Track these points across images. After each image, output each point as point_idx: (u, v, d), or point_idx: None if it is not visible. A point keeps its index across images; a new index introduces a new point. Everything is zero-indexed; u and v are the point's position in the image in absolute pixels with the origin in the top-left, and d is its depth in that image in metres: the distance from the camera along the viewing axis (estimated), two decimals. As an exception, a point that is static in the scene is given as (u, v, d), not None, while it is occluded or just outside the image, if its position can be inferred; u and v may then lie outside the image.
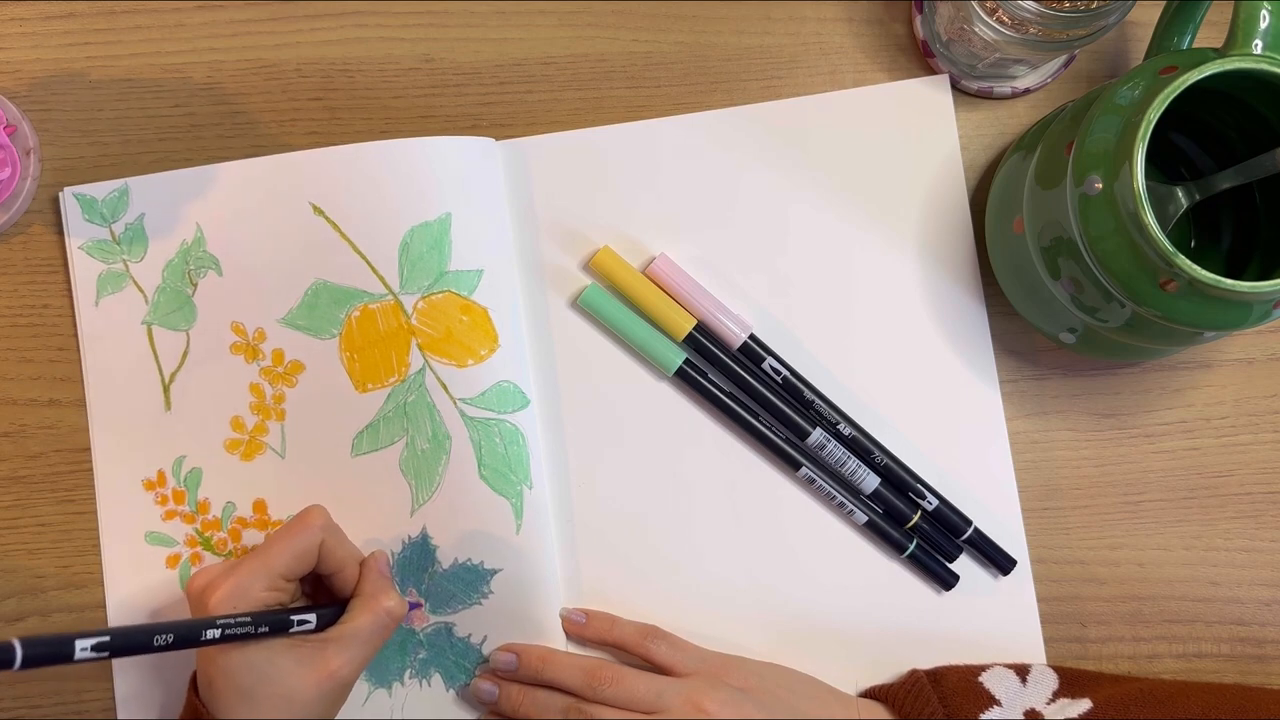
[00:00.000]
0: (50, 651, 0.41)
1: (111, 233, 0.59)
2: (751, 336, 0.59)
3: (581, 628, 0.58)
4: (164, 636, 0.45)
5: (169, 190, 0.59)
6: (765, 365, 0.59)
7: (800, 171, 0.60)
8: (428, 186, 0.58)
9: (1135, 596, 0.60)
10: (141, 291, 0.59)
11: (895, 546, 0.59)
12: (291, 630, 0.50)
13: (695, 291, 0.59)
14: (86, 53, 0.60)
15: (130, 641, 0.44)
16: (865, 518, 0.59)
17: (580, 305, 0.59)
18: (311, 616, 0.51)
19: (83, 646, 0.42)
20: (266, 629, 0.49)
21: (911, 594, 0.60)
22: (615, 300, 0.59)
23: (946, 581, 0.59)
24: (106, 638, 0.43)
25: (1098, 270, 0.50)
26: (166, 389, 0.59)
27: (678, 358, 0.58)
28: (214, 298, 0.59)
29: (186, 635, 0.46)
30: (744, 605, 0.59)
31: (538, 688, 0.56)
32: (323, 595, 0.55)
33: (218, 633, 0.47)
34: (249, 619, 0.48)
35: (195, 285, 0.59)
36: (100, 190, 0.59)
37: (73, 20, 0.60)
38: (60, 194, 0.59)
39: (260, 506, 0.59)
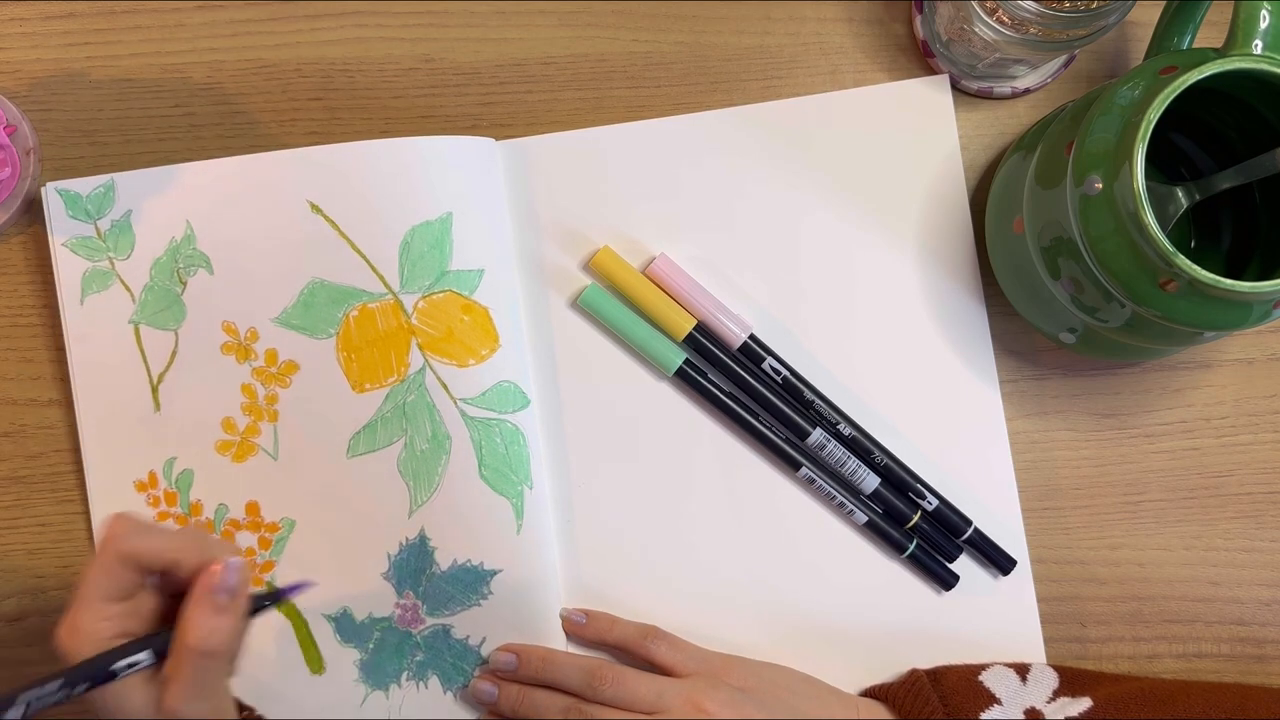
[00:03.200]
0: None
1: (97, 229, 0.59)
2: (751, 336, 0.59)
3: (581, 628, 0.58)
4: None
5: (157, 186, 0.59)
6: (765, 365, 0.59)
7: (800, 172, 0.60)
8: (429, 186, 0.58)
9: (1135, 596, 0.60)
10: (128, 290, 0.59)
11: (895, 546, 0.59)
12: (121, 675, 0.44)
13: (695, 291, 0.59)
14: (86, 53, 0.60)
15: None
16: (865, 518, 0.59)
17: (580, 305, 0.59)
18: (143, 655, 0.44)
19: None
20: (85, 686, 0.43)
21: (911, 594, 0.60)
22: (615, 300, 0.59)
23: (946, 581, 0.59)
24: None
25: (1098, 270, 0.50)
26: (155, 390, 0.59)
27: (678, 358, 0.58)
28: (204, 296, 0.59)
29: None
30: (744, 605, 0.59)
31: (537, 688, 0.56)
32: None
33: (19, 712, 0.42)
34: (56, 685, 0.43)
35: (185, 284, 0.59)
36: (85, 186, 0.59)
37: (73, 20, 0.60)
38: (43, 189, 0.59)
39: (253, 509, 0.59)
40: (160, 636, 0.45)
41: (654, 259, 0.59)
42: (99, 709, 0.44)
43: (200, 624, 0.44)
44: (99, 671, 0.44)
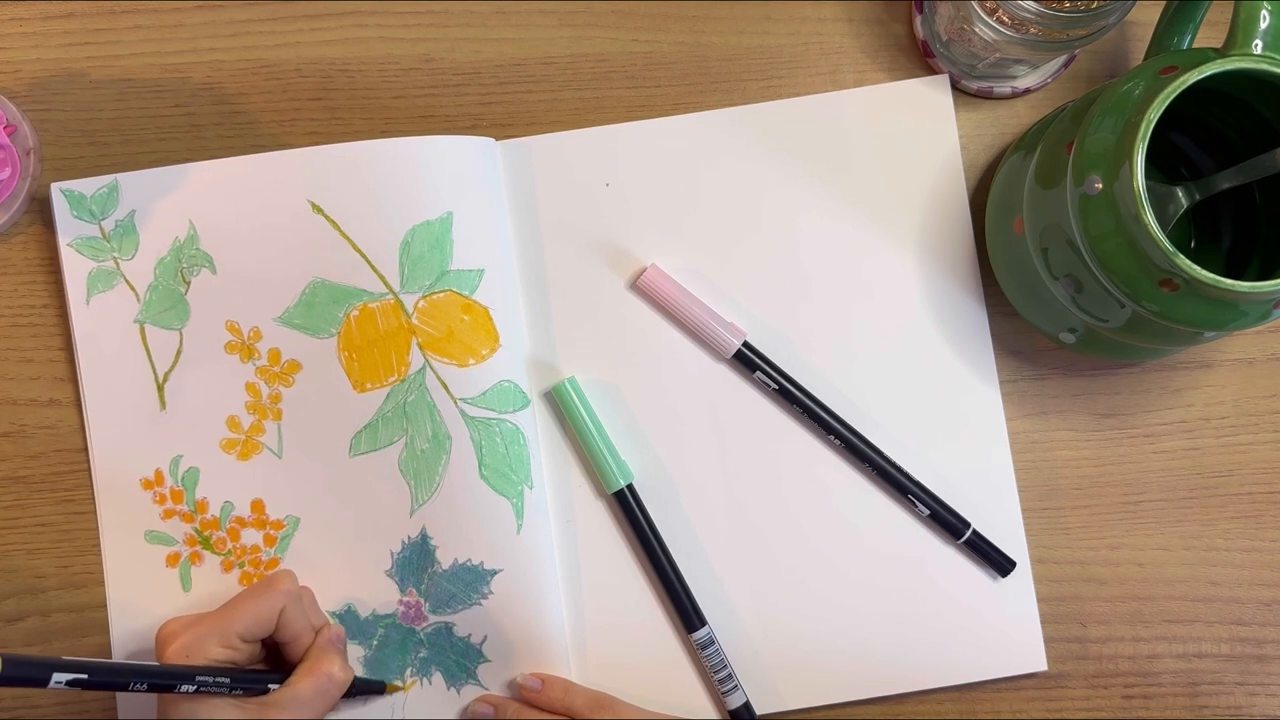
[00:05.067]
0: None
1: (101, 229, 0.59)
2: (745, 344, 0.59)
3: (536, 695, 0.57)
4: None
5: (160, 186, 0.59)
6: (756, 375, 0.59)
7: (800, 171, 0.60)
8: (429, 185, 0.58)
9: (1135, 596, 0.60)
10: (133, 289, 0.59)
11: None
12: (251, 693, 0.51)
13: (686, 301, 0.59)
14: (86, 53, 0.60)
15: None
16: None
17: (552, 394, 0.59)
18: (279, 684, 0.52)
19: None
20: (240, 691, 0.51)
21: (910, 596, 0.59)
22: (583, 404, 0.59)
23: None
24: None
25: (1098, 270, 0.50)
26: (160, 388, 0.59)
27: (624, 479, 0.59)
28: (208, 296, 0.59)
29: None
30: (742, 605, 0.59)
31: (534, 709, 0.57)
32: (283, 663, 0.55)
33: (192, 687, 0.49)
34: (227, 680, 0.50)
35: (188, 283, 0.59)
36: (89, 186, 0.59)
37: (73, 20, 0.60)
38: (49, 188, 0.59)
39: (258, 506, 0.59)
40: (276, 674, 0.53)
41: (644, 270, 0.59)
42: (180, 710, 0.49)
43: (340, 662, 0.53)
44: (253, 684, 0.51)
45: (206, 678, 0.49)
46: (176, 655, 0.50)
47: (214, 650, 0.50)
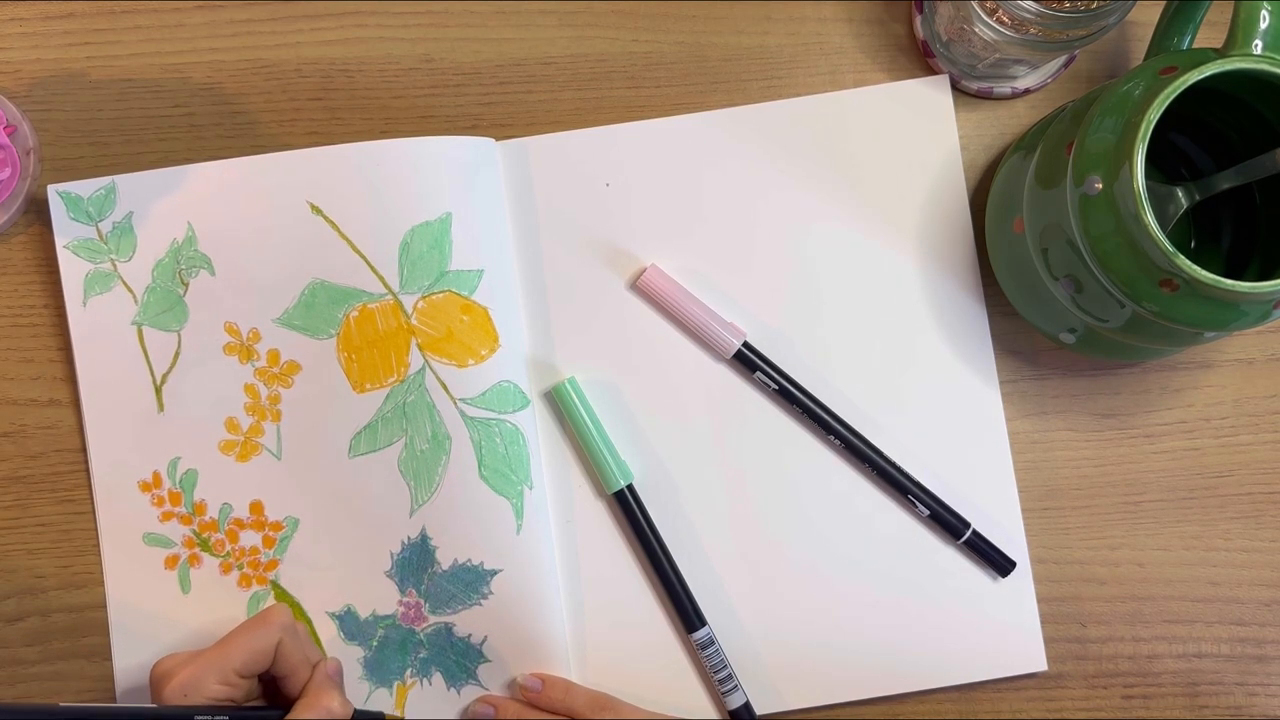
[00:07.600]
0: None
1: (98, 231, 0.59)
2: (745, 344, 0.59)
3: (537, 696, 0.57)
4: None
5: (158, 188, 0.59)
6: (756, 375, 0.59)
7: (800, 171, 0.60)
8: (428, 186, 0.58)
9: (1135, 596, 0.60)
10: (130, 291, 0.59)
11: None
12: None
13: (686, 301, 0.59)
14: (86, 53, 0.60)
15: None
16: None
17: (552, 394, 0.59)
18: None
19: None
20: None
21: (911, 596, 0.59)
22: (583, 404, 0.59)
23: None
24: None
25: (1098, 270, 0.50)
26: (158, 390, 0.59)
27: (624, 479, 0.59)
28: (206, 298, 0.59)
29: None
30: (742, 605, 0.59)
31: (535, 709, 0.57)
32: (281, 698, 0.54)
33: None
34: (226, 717, 0.49)
35: (186, 285, 0.59)
36: (86, 188, 0.59)
37: (73, 20, 0.60)
38: (45, 190, 0.59)
39: (257, 508, 0.59)
40: (275, 711, 0.52)
41: (644, 270, 0.59)
42: None
43: (339, 695, 0.52)
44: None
45: (205, 716, 0.48)
46: (174, 694, 0.49)
47: (212, 688, 0.49)
